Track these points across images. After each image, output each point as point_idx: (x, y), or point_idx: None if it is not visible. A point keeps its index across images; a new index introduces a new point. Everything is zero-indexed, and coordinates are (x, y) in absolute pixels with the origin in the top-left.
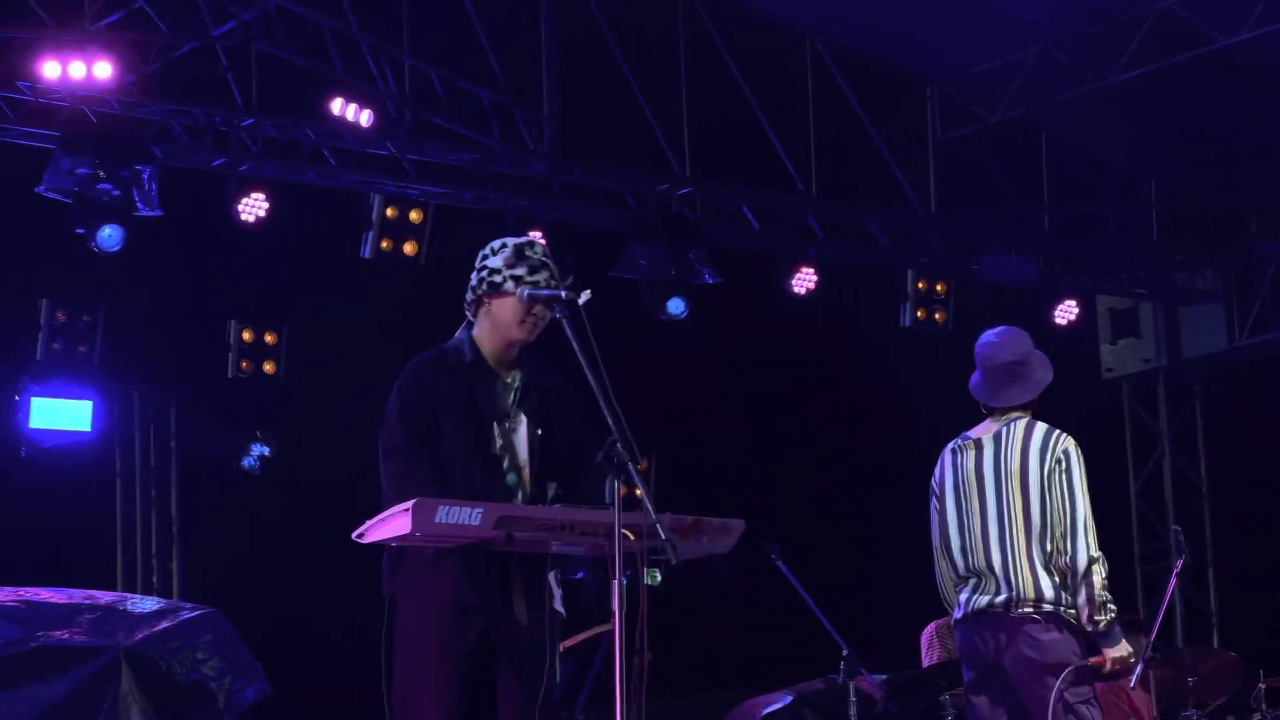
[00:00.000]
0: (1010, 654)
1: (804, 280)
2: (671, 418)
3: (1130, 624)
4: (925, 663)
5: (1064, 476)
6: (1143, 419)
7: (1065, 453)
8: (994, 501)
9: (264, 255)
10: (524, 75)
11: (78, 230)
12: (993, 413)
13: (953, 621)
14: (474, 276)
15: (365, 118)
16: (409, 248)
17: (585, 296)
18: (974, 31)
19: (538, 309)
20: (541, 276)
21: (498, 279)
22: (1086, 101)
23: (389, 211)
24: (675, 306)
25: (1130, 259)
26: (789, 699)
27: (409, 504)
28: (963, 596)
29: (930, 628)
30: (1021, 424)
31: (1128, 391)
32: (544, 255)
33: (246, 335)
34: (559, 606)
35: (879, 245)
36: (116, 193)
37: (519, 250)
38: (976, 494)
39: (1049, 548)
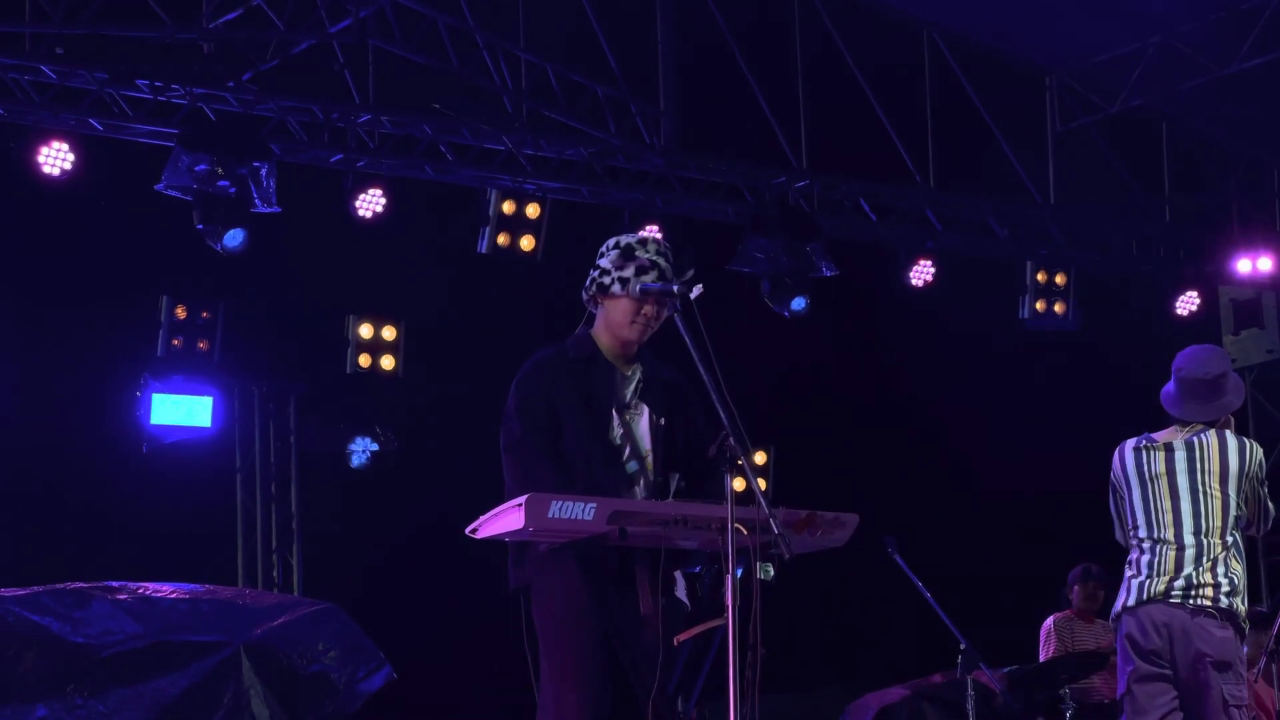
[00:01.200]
0: (1182, 644)
1: (922, 273)
2: (789, 412)
3: (1256, 618)
4: (1043, 656)
5: (1260, 475)
6: (1266, 410)
7: (1261, 460)
8: (1188, 496)
9: (381, 251)
10: (640, 70)
11: (198, 227)
12: (1179, 423)
13: (1122, 609)
14: (589, 276)
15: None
16: (526, 243)
17: (697, 291)
18: (1093, 22)
19: (647, 309)
20: (650, 276)
21: (606, 280)
22: (1208, 90)
23: (506, 206)
24: (798, 304)
25: (1253, 249)
26: (907, 693)
27: (522, 499)
28: (1136, 582)
29: (1049, 621)
30: (1213, 432)
31: (1251, 382)
32: (656, 253)
33: (365, 331)
34: (682, 595)
35: (998, 237)
36: (235, 189)
37: (627, 250)
38: (1168, 488)
39: (1233, 539)
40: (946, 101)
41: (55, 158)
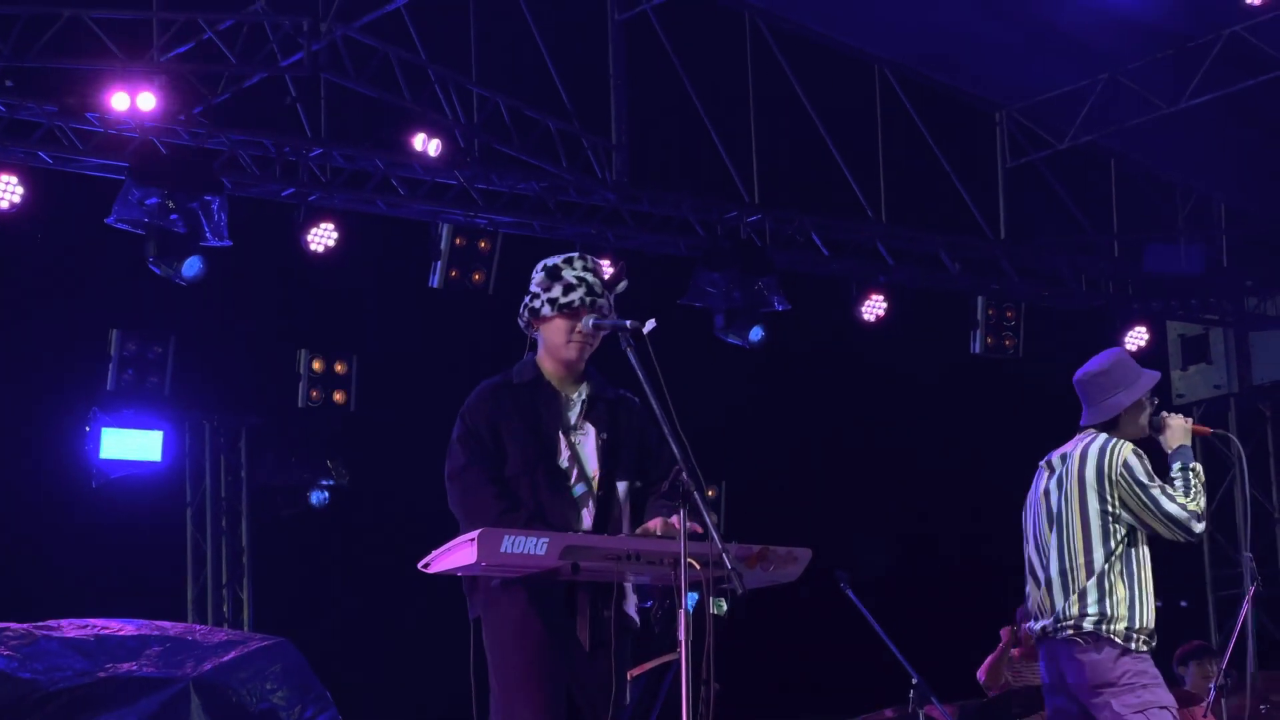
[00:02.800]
0: (1067, 678)
1: (874, 307)
2: (740, 446)
3: (1202, 650)
4: (981, 677)
5: (1132, 477)
6: (1214, 445)
7: (1126, 460)
8: (1056, 521)
9: (333, 285)
10: (592, 104)
11: (148, 261)
12: (1079, 433)
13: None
14: (522, 303)
15: (435, 148)
16: (477, 277)
17: (650, 325)
18: (1043, 59)
19: (581, 327)
20: (577, 295)
21: (536, 304)
22: (1156, 127)
23: (457, 241)
24: (755, 334)
25: (1201, 285)
26: None
27: (474, 534)
28: (1035, 623)
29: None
30: (1087, 440)
31: (1198, 417)
32: (583, 269)
33: (316, 365)
34: (632, 610)
35: (949, 272)
36: (186, 223)
37: (553, 271)
38: (1045, 511)
39: (1107, 564)
40: (898, 137)
41: (4, 191)
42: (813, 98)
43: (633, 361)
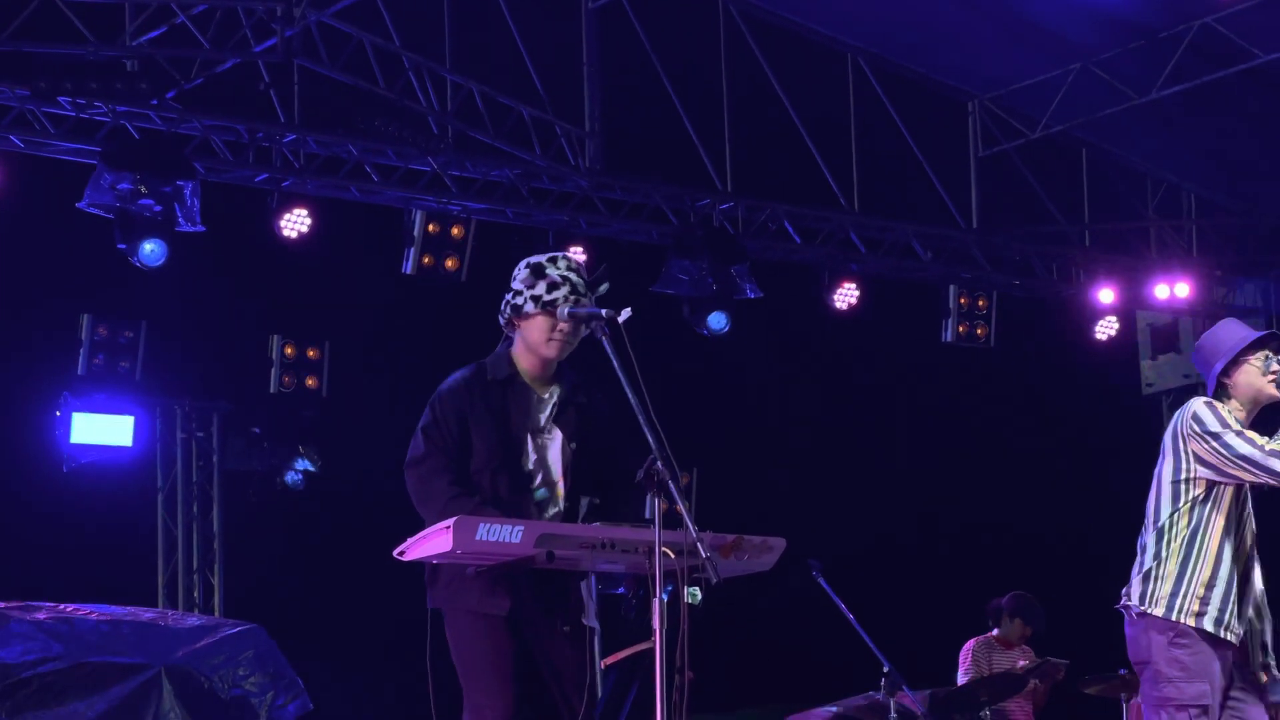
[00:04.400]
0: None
1: (846, 295)
2: (713, 434)
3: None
4: (960, 679)
5: (1195, 429)
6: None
7: (1194, 415)
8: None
9: (306, 271)
10: (566, 91)
11: (119, 246)
12: None
13: None
14: (504, 298)
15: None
16: (450, 263)
17: (625, 314)
18: (1015, 49)
19: (563, 325)
20: (561, 293)
21: (519, 301)
22: (1128, 117)
23: (430, 227)
24: (717, 321)
25: (1170, 275)
26: (831, 713)
27: (449, 521)
28: None
29: (969, 644)
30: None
31: (1168, 406)
32: (567, 269)
33: (289, 350)
34: (593, 621)
35: (921, 260)
36: (158, 208)
37: (537, 269)
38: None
39: (1162, 527)
40: (870, 125)
41: None
42: (786, 86)
43: (608, 350)
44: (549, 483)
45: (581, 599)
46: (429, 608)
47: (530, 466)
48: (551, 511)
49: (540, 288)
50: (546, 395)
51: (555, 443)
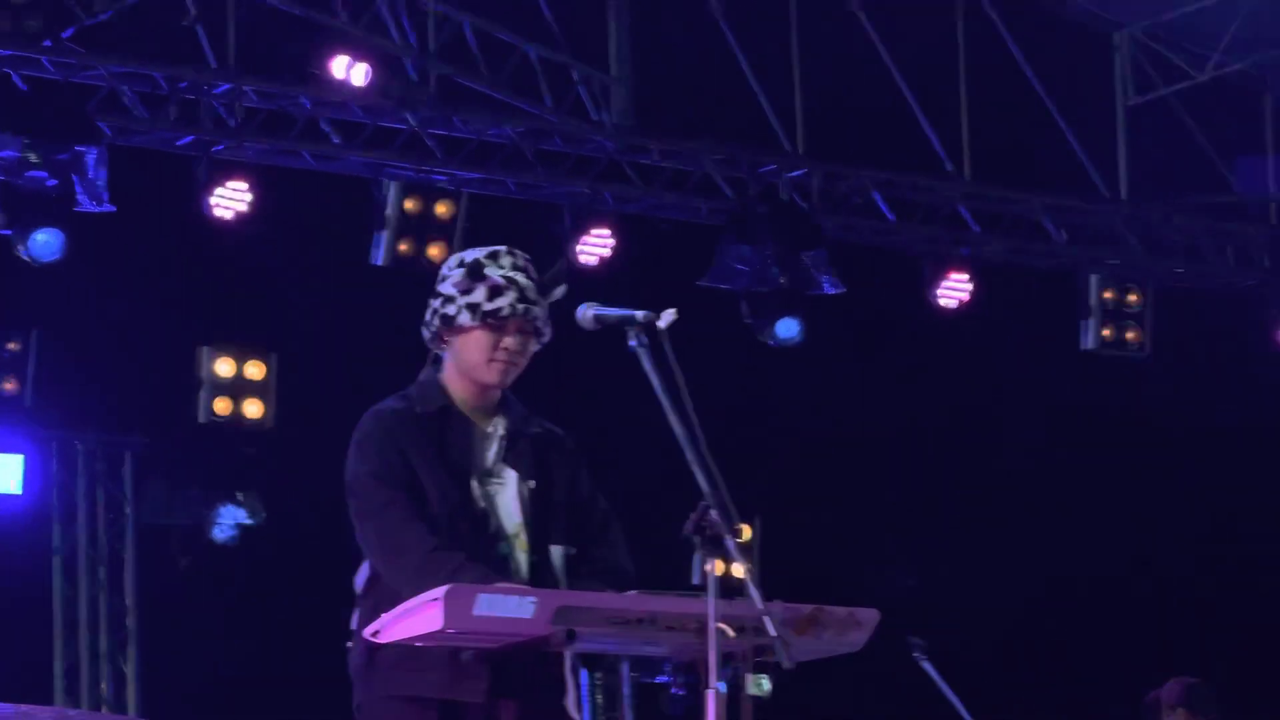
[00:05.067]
0: None
1: (954, 289)
2: (781, 473)
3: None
4: None
5: None
6: None
7: None
8: None
9: (245, 262)
10: (585, 25)
11: (3, 233)
12: None
13: None
14: (429, 307)
15: (360, 75)
16: (434, 251)
17: (669, 318)
18: None
19: (508, 340)
20: (507, 300)
21: (451, 310)
22: None
23: (408, 204)
24: (787, 329)
25: None
26: None
27: (440, 591)
28: None
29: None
30: None
31: None
32: (513, 268)
33: (223, 367)
34: (573, 712)
35: (1053, 243)
36: (53, 182)
37: (474, 269)
38: None
39: None
40: (986, 68)
41: None
42: (874, 18)
43: (645, 366)
44: (505, 536)
45: (560, 676)
46: (354, 705)
47: (481, 517)
48: (514, 570)
49: (479, 293)
50: (490, 429)
51: (508, 486)
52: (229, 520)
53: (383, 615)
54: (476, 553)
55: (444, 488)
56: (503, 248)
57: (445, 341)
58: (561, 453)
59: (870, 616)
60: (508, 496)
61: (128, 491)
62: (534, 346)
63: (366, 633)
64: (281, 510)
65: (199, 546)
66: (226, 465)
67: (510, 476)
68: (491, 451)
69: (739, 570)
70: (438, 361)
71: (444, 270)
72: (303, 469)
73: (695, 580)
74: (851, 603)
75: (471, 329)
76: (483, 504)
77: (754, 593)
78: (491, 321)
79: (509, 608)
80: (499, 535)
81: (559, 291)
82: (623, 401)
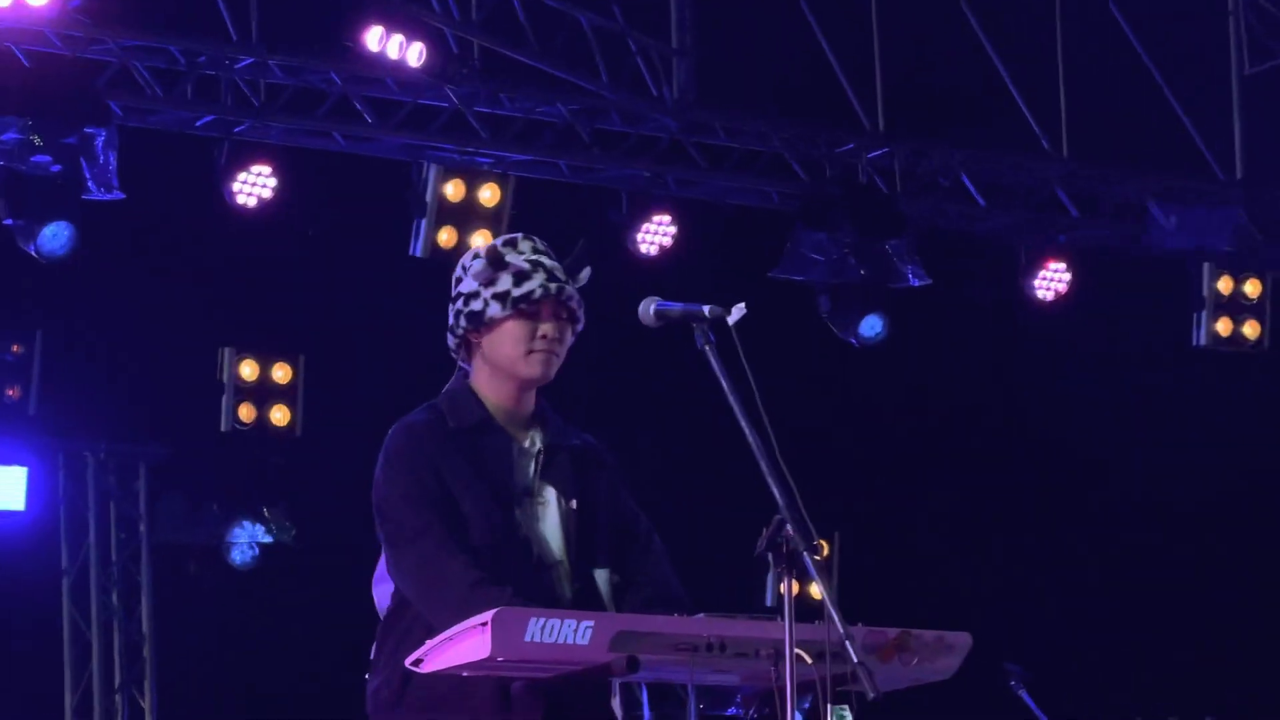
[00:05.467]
0: None
1: (1052, 280)
2: (863, 484)
3: None
4: None
5: None
6: None
7: None
8: None
9: (270, 255)
10: None
11: (6, 223)
12: None
13: None
14: (450, 312)
15: (416, 55)
16: (479, 242)
17: (738, 313)
18: None
19: (545, 327)
20: (535, 284)
21: (477, 305)
22: None
23: (449, 190)
24: (871, 327)
25: None
26: None
27: (487, 615)
28: None
29: None
30: None
31: None
32: (533, 252)
33: (247, 371)
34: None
35: (1160, 229)
36: (57, 167)
37: (493, 258)
38: None
39: None
40: (1086, 35)
41: None
42: None
43: (714, 367)
44: (549, 563)
45: (612, 714)
46: None
47: (525, 543)
48: (560, 601)
49: (504, 281)
50: (528, 443)
51: (550, 508)
52: (246, 540)
53: (426, 642)
54: (522, 584)
55: (487, 511)
56: (519, 234)
57: (474, 344)
58: (601, 467)
59: (962, 641)
60: (550, 520)
61: (142, 508)
62: (571, 335)
63: (408, 661)
64: (311, 527)
65: (221, 567)
66: (251, 478)
67: (551, 496)
68: (531, 469)
69: (817, 591)
70: (463, 373)
71: (460, 269)
72: (334, 481)
73: (769, 602)
74: (941, 625)
75: (503, 320)
76: (525, 529)
77: (834, 615)
78: (524, 308)
79: (564, 633)
80: (543, 563)
81: (585, 274)
82: (689, 405)
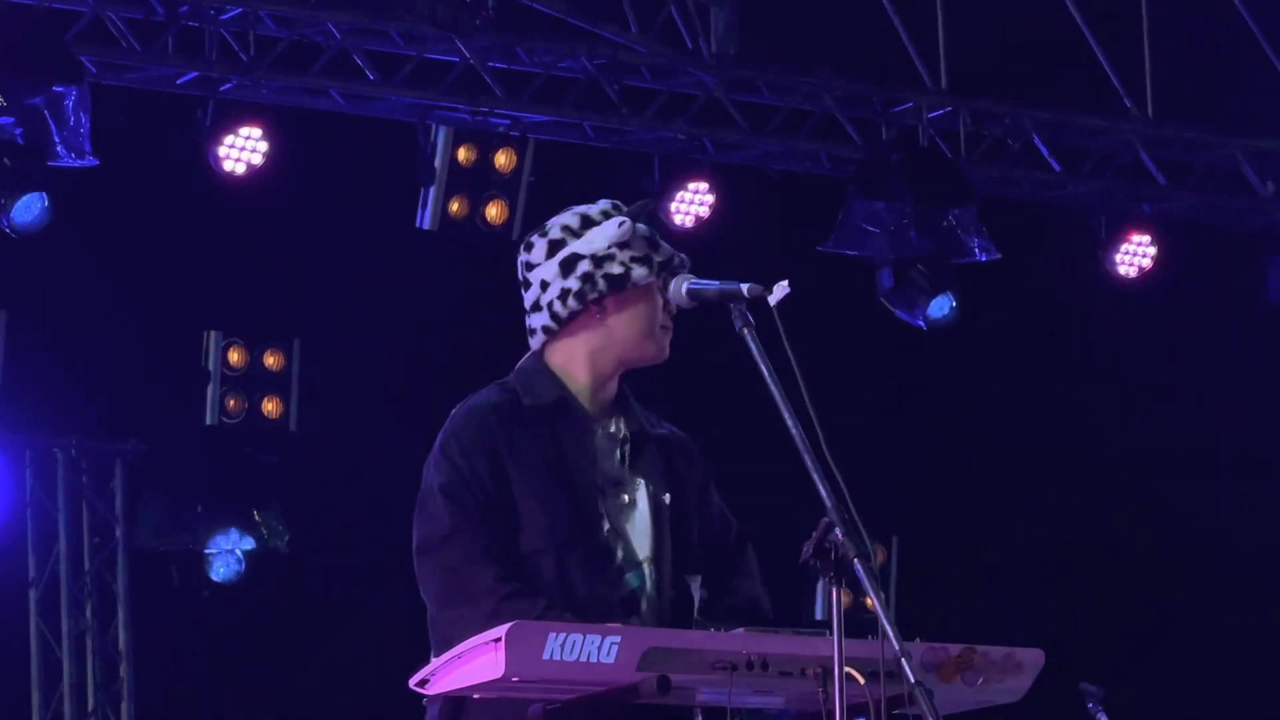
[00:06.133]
0: None
1: (1135, 254)
2: (922, 483)
3: None
4: None
5: None
6: None
7: None
8: None
9: (261, 227)
10: None
11: None
12: None
13: None
14: (559, 276)
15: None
16: (493, 212)
17: (781, 292)
18: None
19: (671, 306)
20: (669, 247)
21: (616, 270)
22: None
23: (462, 154)
24: (939, 308)
25: None
26: None
27: (501, 630)
28: None
29: None
30: None
31: None
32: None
33: (234, 356)
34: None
35: (1256, 196)
36: (20, 130)
37: (614, 220)
38: None
39: None
40: None
41: None
42: None
43: (754, 352)
44: (635, 562)
45: None
46: None
47: (605, 540)
48: (645, 609)
49: (639, 245)
50: (614, 429)
51: (640, 501)
52: (226, 548)
53: (432, 660)
54: (595, 589)
55: (555, 505)
56: (604, 199)
57: (597, 314)
58: (690, 461)
59: (1034, 658)
60: (640, 515)
61: (119, 510)
62: (705, 298)
63: (412, 682)
64: (306, 532)
65: (206, 577)
66: (239, 477)
67: (641, 489)
68: (616, 456)
69: (871, 602)
70: (538, 353)
71: (556, 231)
72: (332, 480)
73: (818, 615)
74: (1010, 641)
75: (647, 286)
76: (609, 525)
77: (889, 629)
78: (666, 275)
79: (586, 650)
80: (627, 564)
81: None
82: (726, 395)
